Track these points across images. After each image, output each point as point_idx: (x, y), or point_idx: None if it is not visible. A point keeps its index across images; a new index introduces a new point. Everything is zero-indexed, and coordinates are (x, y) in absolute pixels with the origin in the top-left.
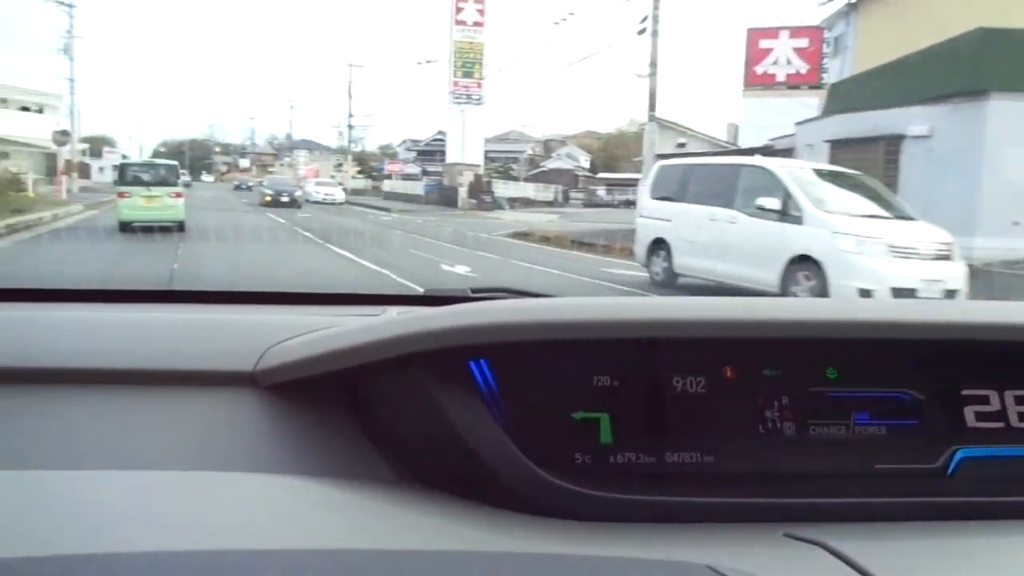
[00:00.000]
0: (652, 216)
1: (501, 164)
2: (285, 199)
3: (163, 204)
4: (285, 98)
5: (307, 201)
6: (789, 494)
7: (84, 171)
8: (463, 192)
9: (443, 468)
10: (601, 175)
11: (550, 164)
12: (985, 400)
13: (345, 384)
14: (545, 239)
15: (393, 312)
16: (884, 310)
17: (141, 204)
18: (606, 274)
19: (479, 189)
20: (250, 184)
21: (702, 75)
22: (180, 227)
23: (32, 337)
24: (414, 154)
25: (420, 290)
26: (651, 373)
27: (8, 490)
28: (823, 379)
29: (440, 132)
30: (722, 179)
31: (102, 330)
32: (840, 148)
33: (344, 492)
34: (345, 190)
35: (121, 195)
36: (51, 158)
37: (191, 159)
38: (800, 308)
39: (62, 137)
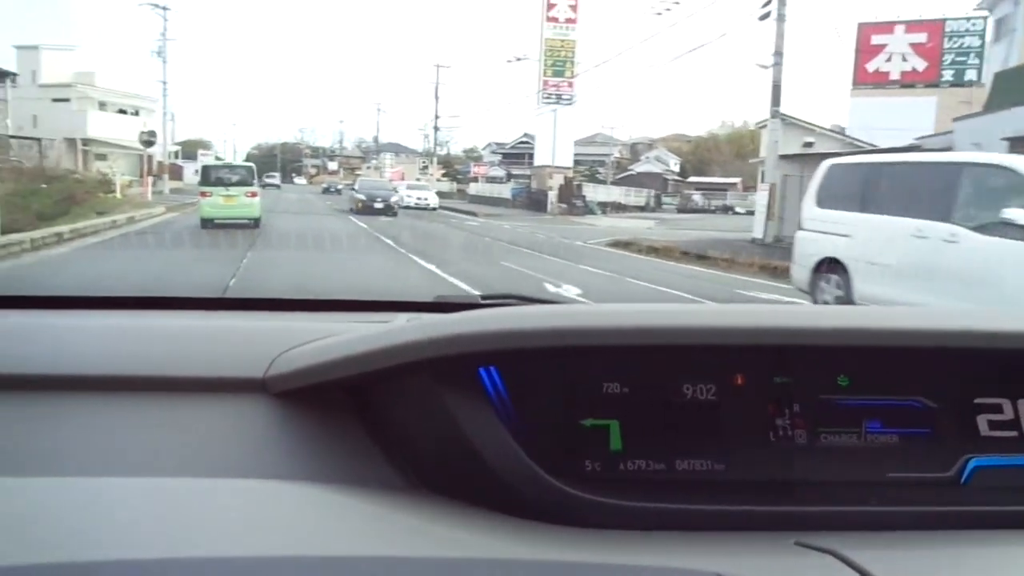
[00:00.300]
0: (820, 229)
1: (587, 167)
2: (379, 205)
3: (240, 203)
4: (373, 101)
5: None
6: (800, 502)
7: (176, 173)
8: (552, 196)
9: (453, 475)
10: (692, 179)
11: (638, 168)
12: (998, 409)
13: (355, 391)
14: (652, 250)
15: (403, 319)
16: (895, 318)
17: (221, 203)
18: (751, 300)
19: (569, 193)
20: (339, 187)
21: (804, 73)
22: (255, 224)
23: (44, 344)
24: (499, 157)
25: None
26: (661, 380)
27: (18, 496)
28: (834, 387)
29: (526, 135)
30: (934, 183)
31: (112, 337)
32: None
33: (354, 499)
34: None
35: (203, 194)
36: (145, 160)
37: (282, 162)
38: (811, 315)
39: (149, 138)
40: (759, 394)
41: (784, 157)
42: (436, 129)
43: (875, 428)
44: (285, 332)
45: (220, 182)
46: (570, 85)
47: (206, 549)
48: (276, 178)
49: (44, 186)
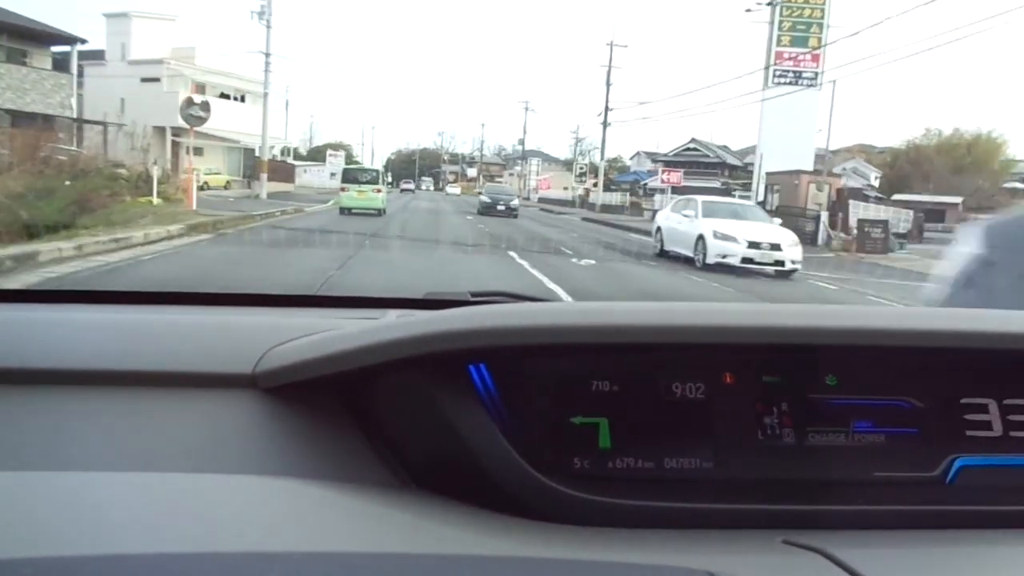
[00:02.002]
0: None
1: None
2: (501, 208)
3: (369, 197)
4: (517, 101)
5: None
6: (788, 501)
7: (285, 173)
8: (824, 219)
9: (442, 472)
10: (898, 197)
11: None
12: (984, 409)
13: (345, 387)
14: None
15: (393, 315)
16: (884, 317)
17: (355, 196)
18: None
19: (845, 215)
20: (478, 191)
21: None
22: (380, 213)
23: (31, 338)
24: (658, 167)
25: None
26: (650, 378)
27: (6, 491)
28: (823, 386)
29: (694, 140)
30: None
31: (102, 331)
32: None
33: (343, 495)
34: (592, 206)
35: (343, 189)
36: (251, 155)
37: (420, 167)
38: (800, 314)
39: (199, 112)
40: (748, 393)
41: None
42: (605, 124)
43: (862, 427)
44: (275, 327)
45: (355, 180)
46: (815, 59)
47: (195, 545)
48: (411, 184)
49: (68, 183)
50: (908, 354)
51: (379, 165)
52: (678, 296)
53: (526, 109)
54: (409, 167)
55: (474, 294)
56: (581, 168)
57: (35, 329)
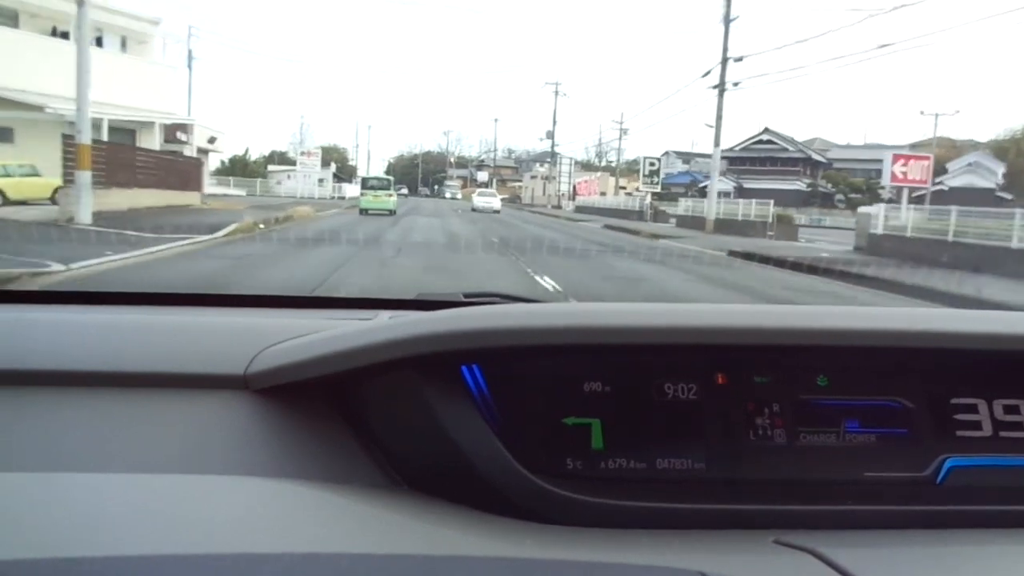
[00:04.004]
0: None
1: (866, 178)
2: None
3: (383, 199)
4: (546, 84)
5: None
6: (779, 501)
7: (177, 174)
8: None
9: (434, 473)
10: None
11: (952, 180)
12: (974, 409)
13: (337, 388)
14: None
15: (385, 316)
16: (875, 319)
17: (371, 199)
18: None
19: None
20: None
21: None
22: (391, 213)
23: (22, 339)
24: (724, 164)
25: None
26: (642, 379)
27: None
28: (814, 387)
29: (767, 130)
30: None
31: (93, 332)
32: None
33: (335, 496)
34: (691, 223)
35: (363, 194)
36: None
37: (424, 172)
38: (791, 316)
39: None
40: (739, 394)
41: None
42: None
43: (853, 428)
44: (267, 328)
45: (372, 188)
46: None
47: (186, 546)
48: (404, 189)
49: None
50: (899, 355)
51: (376, 168)
52: None
53: (556, 92)
54: (412, 171)
55: (467, 295)
56: (652, 163)
57: (25, 330)
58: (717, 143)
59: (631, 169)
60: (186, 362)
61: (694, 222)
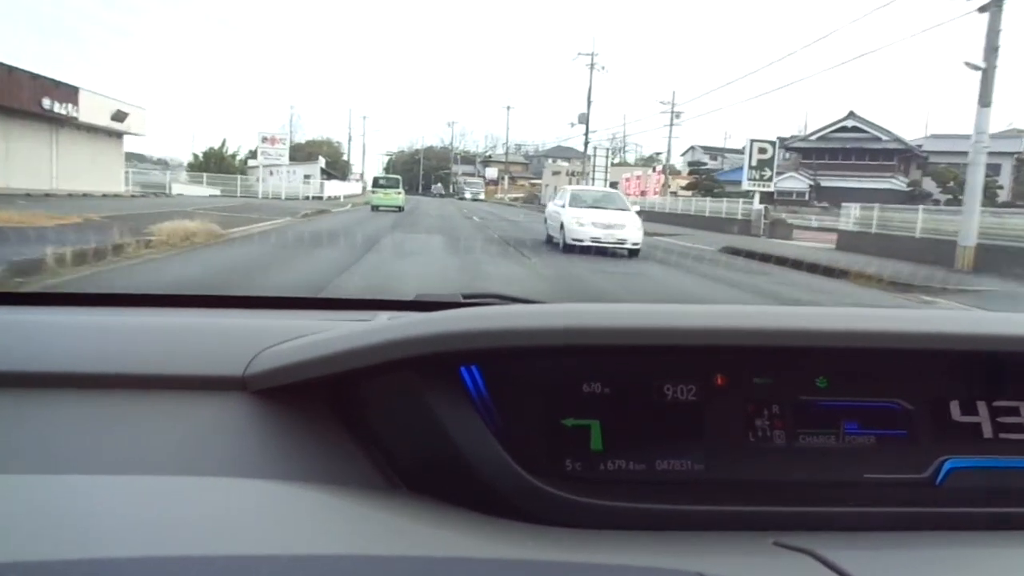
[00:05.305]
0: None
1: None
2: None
3: (391, 197)
4: (578, 54)
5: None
6: (778, 502)
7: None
8: None
9: (433, 474)
10: None
11: None
12: (973, 411)
13: (335, 389)
14: None
15: (384, 317)
16: (874, 320)
17: (381, 196)
18: None
19: None
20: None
21: None
22: (400, 209)
23: (22, 340)
24: (791, 156)
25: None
26: (642, 380)
27: None
28: (813, 388)
29: (852, 114)
30: None
31: (92, 334)
32: None
33: (333, 498)
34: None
35: (373, 192)
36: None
37: (425, 168)
38: (790, 317)
39: None
40: (739, 395)
41: None
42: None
43: (853, 429)
44: (265, 330)
45: (382, 186)
46: None
47: (184, 548)
48: (439, 188)
49: None
50: (898, 356)
51: (372, 164)
52: None
53: (591, 66)
54: (413, 167)
55: (466, 295)
56: (763, 150)
57: (23, 332)
58: (987, 102)
59: (647, 164)
60: (184, 364)
61: (911, 249)
